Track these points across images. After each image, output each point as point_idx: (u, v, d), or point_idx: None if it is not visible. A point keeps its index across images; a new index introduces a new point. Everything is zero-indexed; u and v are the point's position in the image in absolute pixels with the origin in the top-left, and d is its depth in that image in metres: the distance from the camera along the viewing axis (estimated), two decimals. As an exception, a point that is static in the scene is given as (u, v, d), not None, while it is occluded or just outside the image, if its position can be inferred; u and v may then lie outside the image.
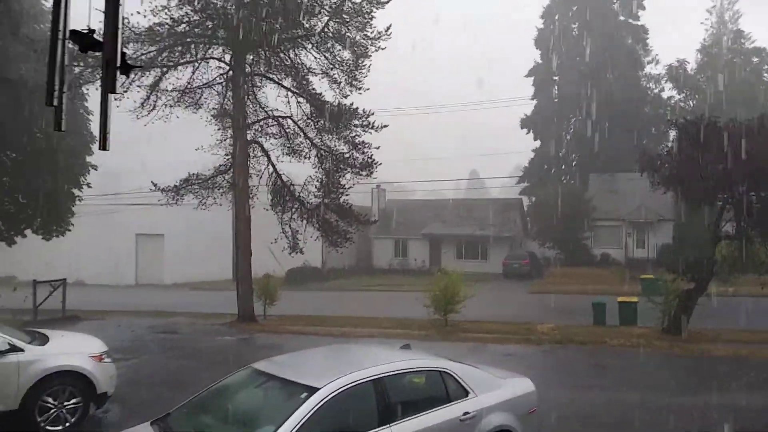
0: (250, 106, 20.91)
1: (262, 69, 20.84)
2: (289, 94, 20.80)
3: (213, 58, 20.42)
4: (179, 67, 19.78)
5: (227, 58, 20.31)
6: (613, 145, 42.85)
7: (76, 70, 18.44)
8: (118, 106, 18.75)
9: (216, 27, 19.29)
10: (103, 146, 3.00)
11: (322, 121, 20.76)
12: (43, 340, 8.60)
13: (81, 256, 37.15)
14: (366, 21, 19.59)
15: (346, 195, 21.54)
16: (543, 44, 49.45)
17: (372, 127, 20.56)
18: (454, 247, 41.34)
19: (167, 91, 19.86)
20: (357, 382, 5.11)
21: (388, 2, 19.43)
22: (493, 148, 66.97)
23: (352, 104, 20.43)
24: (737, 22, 51.82)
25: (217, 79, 20.63)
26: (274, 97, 21.17)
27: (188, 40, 19.28)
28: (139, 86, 19.11)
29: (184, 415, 5.27)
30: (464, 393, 5.72)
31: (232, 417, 5.26)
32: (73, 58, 17.56)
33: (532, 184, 48.34)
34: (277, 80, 20.89)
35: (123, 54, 2.85)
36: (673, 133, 23.53)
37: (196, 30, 19.24)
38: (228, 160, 20.83)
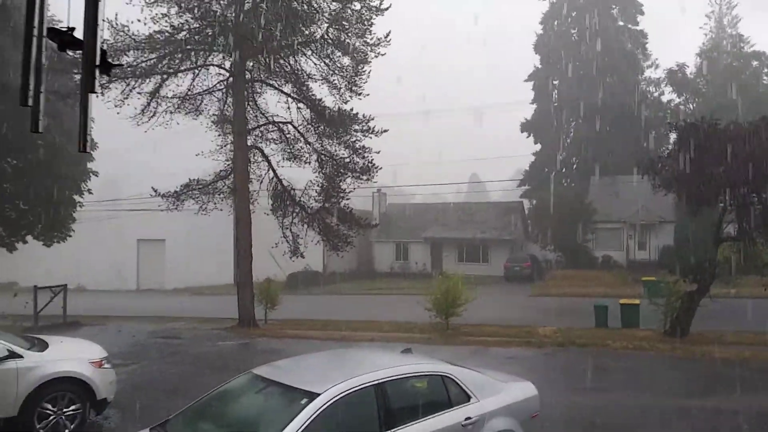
0: (251, 111, 21.00)
1: (262, 75, 20.93)
2: (289, 99, 20.87)
3: (213, 65, 20.52)
4: (179, 74, 19.86)
5: (227, 64, 20.39)
6: (614, 148, 42.89)
7: (77, 77, 18.51)
8: (118, 113, 18.91)
9: (216, 34, 19.34)
10: (83, 148, 2.86)
11: (322, 126, 20.81)
12: (43, 346, 8.56)
13: (82, 262, 37.19)
14: (366, 28, 19.68)
15: (347, 199, 21.60)
16: (542, 49, 49.69)
17: (372, 132, 20.63)
18: (455, 251, 41.33)
19: (167, 97, 19.98)
20: (358, 388, 5.07)
21: (387, 9, 19.49)
22: (493, 152, 67.05)
23: (352, 109, 20.50)
24: (736, 26, 52.09)
25: (218, 85, 20.78)
26: (274, 102, 21.37)
27: (188, 47, 19.32)
28: (139, 93, 19.21)
29: (183, 421, 5.23)
30: (466, 398, 5.68)
31: (232, 423, 5.23)
32: (74, 64, 17.66)
33: (532, 188, 48.39)
34: (277, 86, 20.96)
35: (104, 52, 2.75)
36: (673, 136, 23.52)
37: (196, 37, 19.29)
38: (228, 165, 20.87)
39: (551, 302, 24.95)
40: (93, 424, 8.55)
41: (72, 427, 8.06)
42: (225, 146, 21.14)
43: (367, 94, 20.66)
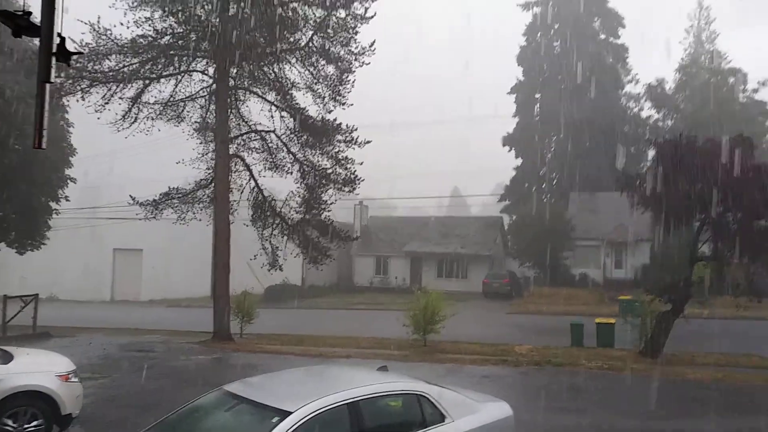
0: (233, 119, 20.82)
1: (245, 82, 20.79)
2: (273, 108, 20.75)
3: (196, 71, 20.32)
4: (162, 80, 19.65)
5: (210, 71, 20.22)
6: (594, 164, 43.28)
7: (57, 80, 18.23)
8: (98, 118, 18.61)
9: (200, 39, 19.23)
10: (38, 144, 2.68)
11: (305, 136, 20.70)
12: (7, 358, 8.27)
13: (56, 271, 36.51)
14: (350, 36, 19.70)
15: (328, 211, 21.44)
16: (525, 62, 49.70)
17: (355, 143, 20.56)
18: (435, 266, 41.33)
19: (149, 103, 19.73)
20: (331, 406, 4.98)
21: (372, 18, 19.54)
22: (476, 165, 67.42)
23: (335, 119, 20.46)
24: (714, 42, 52.93)
25: (200, 92, 20.53)
26: (257, 110, 21.13)
27: (171, 52, 19.17)
28: (120, 98, 18.95)
29: (150, 438, 5.08)
30: (441, 417, 5.61)
31: (201, 442, 5.09)
32: (58, 68, 17.38)
33: (513, 203, 48.54)
34: (260, 94, 20.83)
35: (62, 39, 2.57)
36: (651, 153, 23.85)
37: (179, 42, 19.16)
38: (209, 174, 20.62)
39: (528, 320, 25.04)
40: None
41: (33, 443, 7.78)
42: (206, 154, 20.91)
43: (351, 104, 20.67)
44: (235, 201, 20.92)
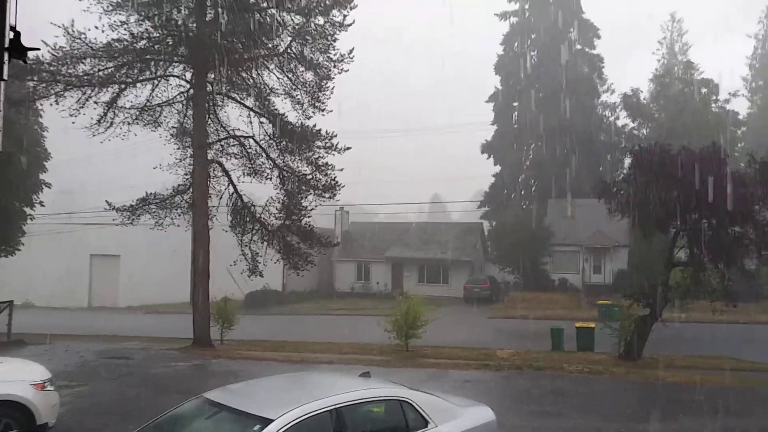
0: (211, 125, 20.65)
1: (223, 88, 20.62)
2: (251, 113, 20.65)
3: (173, 76, 20.16)
4: (138, 84, 19.43)
5: (188, 76, 20.06)
6: (571, 171, 43.85)
7: (30, 84, 17.92)
8: (73, 123, 18.30)
9: (177, 44, 19.04)
10: None
11: (284, 142, 20.62)
12: (-20, 367, 8.11)
13: (32, 277, 35.83)
14: (329, 43, 19.69)
15: (309, 217, 21.36)
16: (503, 70, 50.27)
17: (335, 149, 20.53)
18: (416, 271, 41.41)
19: (125, 108, 19.49)
20: (313, 413, 4.95)
21: (350, 25, 19.59)
22: (455, 171, 67.79)
23: (314, 125, 20.41)
24: (686, 53, 54.24)
25: (177, 97, 20.36)
26: (235, 116, 21.01)
27: (147, 56, 18.96)
28: (96, 103, 18.68)
29: (128, 448, 5.00)
30: (424, 423, 5.61)
31: (180, 451, 5.02)
32: (31, 71, 17.08)
33: (492, 209, 48.95)
34: (239, 99, 20.72)
35: (17, 34, 2.39)
36: (628, 161, 24.21)
37: (156, 47, 18.96)
38: (187, 179, 20.42)
39: (509, 324, 25.18)
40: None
41: (7, 454, 7.62)
42: (184, 160, 20.67)
43: (330, 111, 20.66)
44: (214, 207, 20.73)
